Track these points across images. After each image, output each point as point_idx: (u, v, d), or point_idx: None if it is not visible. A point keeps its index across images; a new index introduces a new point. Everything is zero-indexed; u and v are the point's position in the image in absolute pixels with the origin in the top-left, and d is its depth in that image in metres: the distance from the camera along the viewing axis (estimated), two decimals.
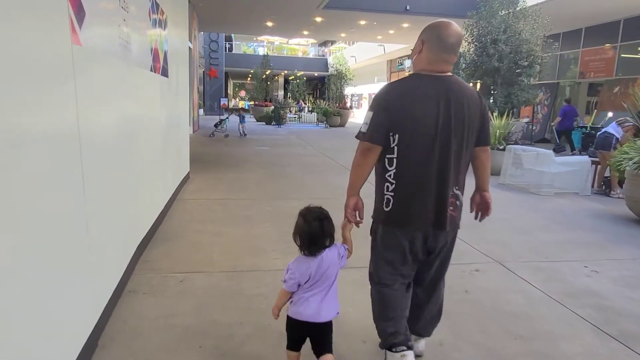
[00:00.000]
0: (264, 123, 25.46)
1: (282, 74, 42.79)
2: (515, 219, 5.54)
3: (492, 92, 11.01)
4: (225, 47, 39.96)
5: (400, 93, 2.09)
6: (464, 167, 2.17)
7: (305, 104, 32.13)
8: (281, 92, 44.01)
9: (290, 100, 31.63)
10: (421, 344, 2.42)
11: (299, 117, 28.08)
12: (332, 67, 32.57)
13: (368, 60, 32.37)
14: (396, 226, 2.14)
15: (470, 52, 11.30)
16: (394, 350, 2.09)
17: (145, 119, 4.04)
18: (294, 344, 2.10)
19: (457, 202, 2.16)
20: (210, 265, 3.63)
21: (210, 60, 34.59)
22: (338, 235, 2.11)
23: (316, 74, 42.31)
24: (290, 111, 28.47)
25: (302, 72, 38.32)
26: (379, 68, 32.41)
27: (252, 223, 4.90)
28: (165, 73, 4.98)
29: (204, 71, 34.91)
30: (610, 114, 16.05)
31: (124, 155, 3.28)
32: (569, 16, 14.04)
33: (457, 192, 2.15)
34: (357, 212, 2.20)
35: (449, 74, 2.12)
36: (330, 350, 2.06)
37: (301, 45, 49.21)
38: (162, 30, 4.80)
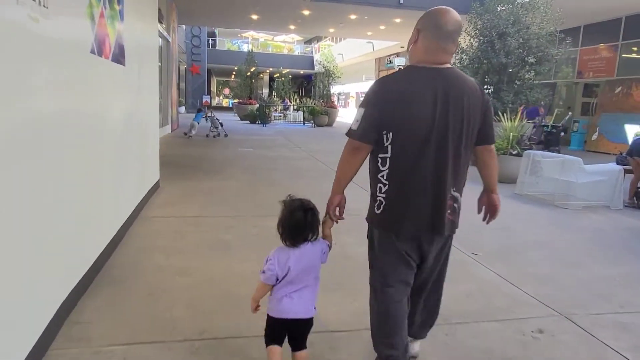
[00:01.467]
0: (248, 122, 24.40)
1: (267, 71, 41.76)
2: (553, 242, 4.58)
3: (498, 90, 10.09)
4: (209, 43, 38.74)
5: (394, 88, 1.95)
6: (463, 167, 2.02)
7: (291, 102, 31.11)
8: (266, 90, 42.90)
9: (275, 99, 30.58)
10: (416, 345, 2.32)
11: (285, 116, 27.11)
12: (319, 64, 31.58)
13: (356, 59, 31.47)
14: (389, 229, 2.02)
15: (474, 47, 10.37)
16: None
17: (82, 114, 2.94)
18: (276, 340, 2.00)
19: (455, 205, 2.02)
20: (168, 329, 2.55)
21: (193, 56, 33.38)
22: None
23: (302, 72, 41.30)
24: (276, 110, 27.46)
25: (288, 70, 37.35)
26: (367, 66, 31.53)
27: (232, 253, 3.83)
28: (118, 59, 3.87)
29: (186, 67, 33.71)
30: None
31: (38, 165, 2.20)
32: (568, 13, 13.30)
33: (456, 194, 2.01)
34: (338, 210, 2.13)
35: (448, 65, 1.97)
36: (305, 346, 2.04)
37: (287, 43, 48.07)
38: (112, 10, 3.70)
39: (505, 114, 8.37)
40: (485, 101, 2.02)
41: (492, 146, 2.12)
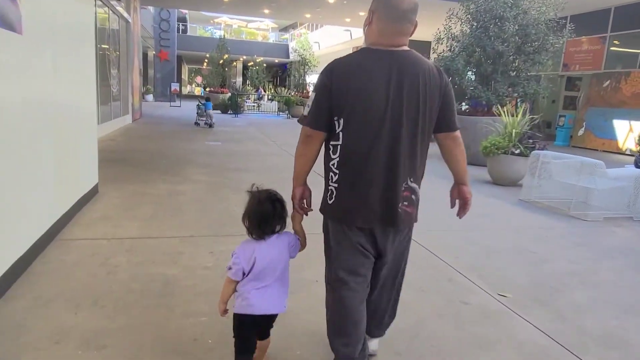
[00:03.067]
0: (219, 111, 23.05)
1: (241, 59, 40.21)
2: (593, 273, 3.63)
3: (492, 81, 9.19)
4: (179, 29, 36.90)
5: (345, 70, 1.84)
6: (420, 156, 1.91)
7: (265, 92, 29.84)
8: (240, 79, 41.31)
9: (249, 88, 29.23)
10: (373, 343, 2.20)
11: (258, 106, 25.90)
12: (294, 52, 30.30)
13: (333, 47, 30.26)
14: (341, 220, 1.92)
15: (466, 34, 9.41)
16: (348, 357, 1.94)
17: None
18: (245, 351, 1.91)
19: (413, 197, 1.91)
20: None
21: (161, 42, 31.60)
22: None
23: (277, 61, 39.90)
24: (249, 99, 26.19)
25: (262, 58, 35.97)
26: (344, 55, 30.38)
27: (174, 302, 2.72)
28: (7, 22, 2.68)
29: (154, 54, 31.86)
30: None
31: None
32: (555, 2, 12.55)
33: (413, 184, 1.90)
34: (304, 201, 2.03)
35: (405, 47, 1.87)
36: (269, 334, 2.01)
37: (261, 30, 46.50)
38: None
39: (505, 109, 7.46)
40: (444, 84, 1.89)
41: (457, 133, 1.98)
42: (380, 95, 1.79)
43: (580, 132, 14.48)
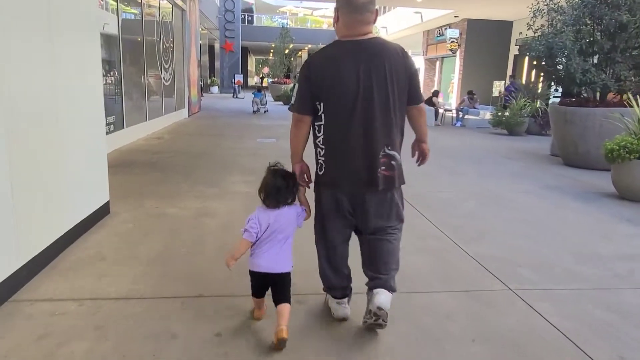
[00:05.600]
0: (281, 103, 22.15)
1: (306, 48, 39.13)
2: None
3: (610, 62, 7.20)
4: (245, 20, 36.56)
5: (321, 62, 2.16)
6: (395, 127, 2.18)
7: None
8: None
9: None
10: (381, 297, 2.20)
11: None
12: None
13: (402, 32, 28.24)
14: (330, 187, 2.23)
15: (574, 3, 7.46)
16: (332, 296, 2.43)
17: None
18: (257, 292, 2.31)
19: (392, 162, 2.18)
20: None
21: (226, 33, 31.26)
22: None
23: None
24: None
25: None
26: (414, 40, 28.27)
27: None
28: None
29: (220, 46, 31.62)
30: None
31: None
32: None
33: (390, 152, 2.17)
34: (304, 175, 2.33)
35: (370, 35, 2.14)
36: (287, 301, 2.20)
37: (327, 18, 45.17)
38: None
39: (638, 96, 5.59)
40: (408, 65, 2.15)
41: (420, 105, 2.28)
42: (352, 79, 2.08)
43: None
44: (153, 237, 3.62)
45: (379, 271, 2.30)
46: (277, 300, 2.20)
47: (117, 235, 3.63)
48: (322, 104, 2.13)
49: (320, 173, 2.23)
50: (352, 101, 2.08)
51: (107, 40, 7.51)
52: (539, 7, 7.85)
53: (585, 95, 7.74)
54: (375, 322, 2.17)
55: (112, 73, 7.68)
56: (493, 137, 11.63)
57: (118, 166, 6.18)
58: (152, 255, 3.25)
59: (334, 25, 2.23)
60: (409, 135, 2.33)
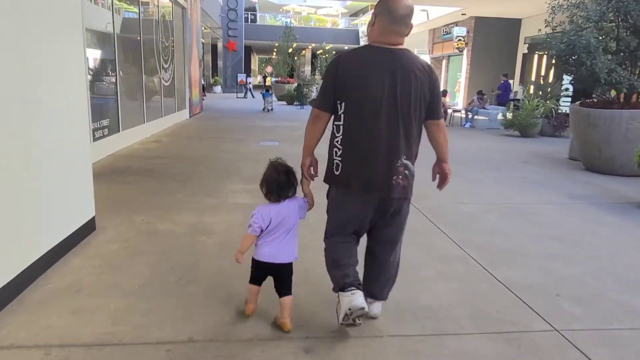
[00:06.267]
0: (285, 103, 21.74)
1: (309, 47, 38.69)
2: None
3: (636, 62, 6.73)
4: (248, 19, 36.12)
5: (349, 63, 2.17)
6: (414, 139, 2.20)
7: None
8: (308, 68, 39.86)
9: (317, 77, 27.61)
10: (376, 306, 2.43)
11: None
12: (365, 36, 28.19)
13: None
14: (345, 188, 2.23)
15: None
16: (345, 290, 2.20)
17: None
18: (255, 280, 2.39)
19: (407, 172, 2.19)
20: None
21: (229, 32, 30.86)
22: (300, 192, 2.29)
23: (346, 47, 37.81)
24: (317, 89, 24.64)
25: (331, 45, 34.21)
26: (420, 39, 27.77)
27: None
28: None
29: (223, 44, 31.19)
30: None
31: None
32: None
33: (407, 162, 2.18)
34: (312, 169, 2.38)
35: (401, 46, 2.17)
36: (289, 293, 2.34)
37: (330, 16, 44.68)
38: None
39: None
40: (433, 80, 2.18)
41: (440, 121, 2.29)
42: (376, 85, 2.09)
43: None
44: (140, 260, 3.20)
45: (381, 287, 2.41)
46: (281, 293, 2.33)
47: (100, 258, 3.21)
48: (343, 103, 2.16)
49: (337, 173, 2.24)
50: (376, 107, 2.10)
51: (101, 38, 7.10)
52: (558, 2, 7.39)
53: (607, 95, 7.27)
54: (354, 323, 2.19)
55: (106, 73, 7.27)
56: (505, 139, 11.17)
57: (110, 173, 5.77)
58: (137, 284, 2.83)
59: (367, 29, 2.27)
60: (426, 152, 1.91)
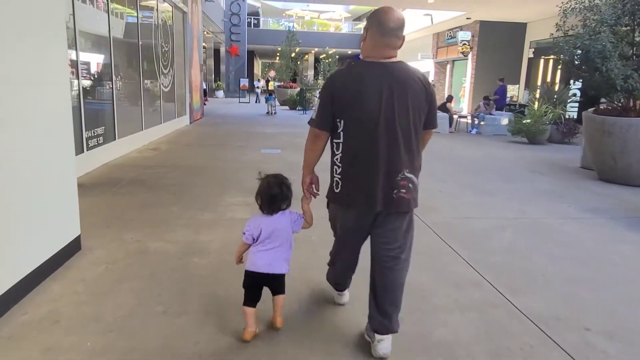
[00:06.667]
0: (287, 108, 21.52)
1: (312, 52, 38.51)
2: None
3: None
4: (251, 23, 36.02)
5: (344, 80, 2.17)
6: (415, 150, 2.19)
7: None
8: (311, 72, 39.67)
9: (320, 82, 27.39)
10: (385, 344, 2.22)
11: None
12: None
13: (411, 34, 27.54)
14: (346, 205, 2.24)
15: (613, 2, 6.71)
16: (336, 289, 2.70)
17: None
18: (250, 300, 2.34)
19: (410, 185, 2.18)
20: None
21: (232, 36, 30.75)
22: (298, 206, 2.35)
23: (350, 52, 37.71)
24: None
25: (334, 50, 34.00)
26: (423, 43, 27.56)
27: None
28: None
29: (226, 49, 31.04)
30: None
31: None
32: None
33: (410, 175, 2.17)
34: (313, 186, 2.40)
35: (395, 59, 2.16)
36: (282, 292, 2.40)
37: (334, 21, 44.51)
38: None
39: None
40: (429, 91, 2.17)
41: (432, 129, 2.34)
42: (374, 100, 2.07)
43: None
44: (126, 285, 2.93)
45: (387, 310, 2.26)
46: (274, 292, 2.40)
47: (83, 284, 2.94)
48: (342, 121, 2.15)
49: (337, 190, 2.24)
50: (374, 123, 2.08)
51: (96, 42, 6.87)
52: (570, 5, 7.11)
53: (621, 102, 6.98)
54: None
55: (101, 78, 7.03)
56: (513, 146, 10.87)
57: (102, 185, 5.50)
58: (120, 316, 2.55)
59: (360, 44, 2.28)
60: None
